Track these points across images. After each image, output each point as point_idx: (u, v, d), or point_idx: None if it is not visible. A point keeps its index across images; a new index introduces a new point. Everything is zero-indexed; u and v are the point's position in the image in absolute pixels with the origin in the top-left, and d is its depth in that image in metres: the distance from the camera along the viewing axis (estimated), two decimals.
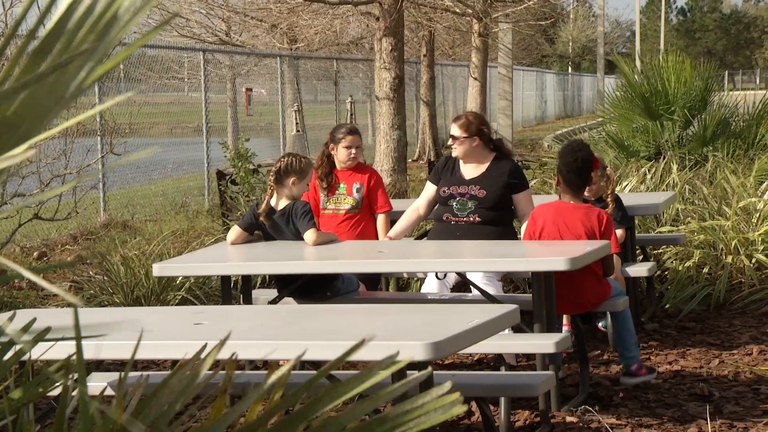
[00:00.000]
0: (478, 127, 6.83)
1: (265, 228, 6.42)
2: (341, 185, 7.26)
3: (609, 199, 7.16)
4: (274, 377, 1.82)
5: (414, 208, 7.07)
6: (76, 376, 1.82)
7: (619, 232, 6.91)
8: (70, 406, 1.95)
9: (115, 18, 1.35)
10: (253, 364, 6.02)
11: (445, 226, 6.86)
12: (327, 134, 7.50)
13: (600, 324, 7.19)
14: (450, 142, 6.91)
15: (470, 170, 6.88)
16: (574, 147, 6.28)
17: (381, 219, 7.32)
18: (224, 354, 2.14)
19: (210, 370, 1.99)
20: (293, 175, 6.35)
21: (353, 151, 7.26)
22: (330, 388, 1.72)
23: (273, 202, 6.42)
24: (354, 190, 7.28)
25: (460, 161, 6.91)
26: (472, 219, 6.79)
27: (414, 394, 1.76)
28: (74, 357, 1.84)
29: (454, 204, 6.83)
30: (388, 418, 1.68)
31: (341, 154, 7.27)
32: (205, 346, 2.05)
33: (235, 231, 6.46)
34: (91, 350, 3.72)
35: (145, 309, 6.92)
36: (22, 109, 1.36)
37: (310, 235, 6.19)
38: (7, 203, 9.21)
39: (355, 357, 1.89)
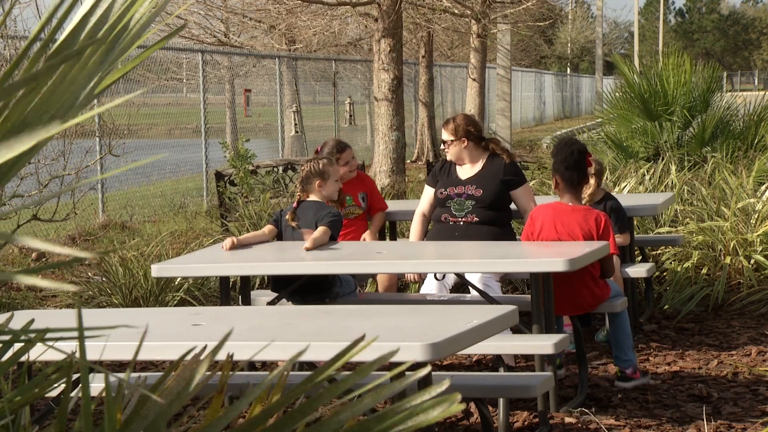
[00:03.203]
0: (465, 129, 6.93)
1: (282, 227, 6.52)
2: (348, 198, 7.37)
3: (592, 181, 6.92)
4: (272, 376, 1.82)
5: (420, 213, 7.12)
6: (74, 377, 1.82)
7: (620, 239, 6.88)
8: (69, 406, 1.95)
9: (125, 29, 1.36)
10: (252, 366, 6.02)
11: (444, 227, 6.89)
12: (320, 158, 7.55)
13: (597, 338, 7.14)
14: (443, 146, 7.01)
15: (465, 171, 6.95)
16: (567, 142, 6.27)
17: (380, 217, 7.57)
18: (222, 355, 2.13)
19: (208, 371, 1.99)
20: (316, 179, 6.51)
21: (350, 163, 7.47)
22: (332, 387, 1.72)
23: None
24: (360, 200, 7.50)
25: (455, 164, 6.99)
26: (470, 219, 6.81)
27: (412, 394, 1.76)
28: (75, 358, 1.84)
29: (451, 205, 6.87)
30: (386, 416, 1.68)
31: (341, 172, 7.30)
32: (205, 347, 2.05)
33: (269, 227, 6.55)
34: (90, 351, 3.71)
35: (144, 310, 6.92)
36: (31, 114, 1.37)
37: (320, 230, 6.25)
38: (5, 204, 9.20)
39: (355, 358, 1.89)
